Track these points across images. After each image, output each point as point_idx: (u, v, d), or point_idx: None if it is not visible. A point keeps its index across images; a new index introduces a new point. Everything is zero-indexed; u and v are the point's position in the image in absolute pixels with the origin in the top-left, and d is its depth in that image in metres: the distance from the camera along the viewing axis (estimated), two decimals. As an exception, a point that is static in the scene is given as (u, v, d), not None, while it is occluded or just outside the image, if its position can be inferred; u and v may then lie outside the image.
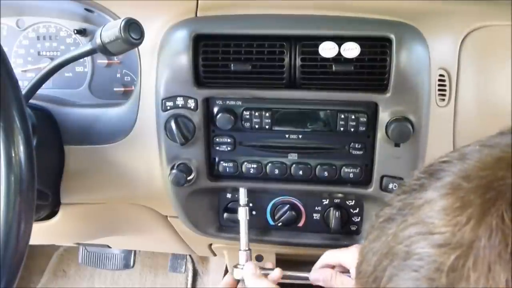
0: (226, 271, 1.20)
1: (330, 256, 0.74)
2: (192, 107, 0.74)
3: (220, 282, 0.81)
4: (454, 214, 0.31)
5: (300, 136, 0.76)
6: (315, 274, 0.74)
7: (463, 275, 0.30)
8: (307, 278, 0.76)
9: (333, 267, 0.74)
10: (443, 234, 0.31)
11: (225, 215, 0.84)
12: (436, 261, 0.31)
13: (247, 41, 0.71)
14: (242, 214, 0.79)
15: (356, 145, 0.75)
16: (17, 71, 0.83)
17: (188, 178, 0.76)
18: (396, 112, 0.70)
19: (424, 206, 0.34)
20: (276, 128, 0.75)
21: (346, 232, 0.83)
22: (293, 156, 0.76)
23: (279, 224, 0.82)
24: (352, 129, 0.73)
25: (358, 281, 0.40)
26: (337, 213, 0.80)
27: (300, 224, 0.83)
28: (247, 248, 0.79)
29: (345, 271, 0.71)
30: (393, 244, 0.35)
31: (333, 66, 0.70)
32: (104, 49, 0.66)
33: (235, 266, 0.79)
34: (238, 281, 0.78)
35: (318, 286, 0.76)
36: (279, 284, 0.76)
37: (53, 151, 0.81)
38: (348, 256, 0.70)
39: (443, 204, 0.33)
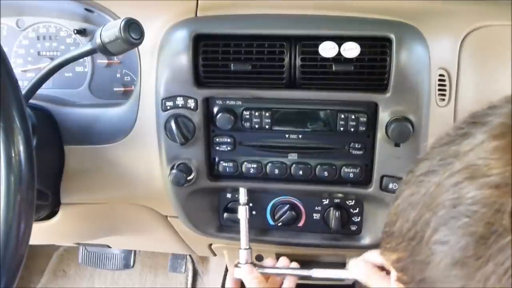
0: (226, 271, 1.20)
1: (374, 255, 0.72)
2: (192, 107, 0.74)
3: (220, 282, 0.81)
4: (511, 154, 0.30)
5: (300, 136, 0.76)
6: (355, 269, 0.71)
7: None
8: (309, 277, 0.76)
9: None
10: (500, 175, 0.30)
11: (225, 215, 0.84)
12: (496, 203, 0.29)
13: (247, 41, 0.71)
14: (242, 213, 0.79)
15: (356, 145, 0.75)
16: (17, 71, 0.83)
17: (188, 178, 0.76)
18: (396, 112, 0.70)
19: (473, 150, 0.32)
20: (276, 128, 0.75)
21: (346, 232, 0.83)
22: (293, 156, 0.76)
23: (279, 224, 0.82)
24: (352, 129, 0.73)
25: (387, 244, 0.39)
26: (337, 213, 0.80)
27: (300, 224, 0.83)
28: (247, 247, 0.79)
29: None
30: (437, 194, 0.33)
31: (333, 66, 0.70)
32: (104, 49, 0.66)
33: (236, 265, 0.79)
34: (241, 280, 0.78)
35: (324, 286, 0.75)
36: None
37: (53, 151, 0.81)
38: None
39: (496, 145, 0.31)
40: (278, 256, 0.93)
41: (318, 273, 0.75)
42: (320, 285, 0.84)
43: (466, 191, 0.31)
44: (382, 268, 0.68)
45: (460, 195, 0.31)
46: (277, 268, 0.80)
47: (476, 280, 0.30)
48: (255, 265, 0.79)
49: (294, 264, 0.79)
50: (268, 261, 0.82)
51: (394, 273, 0.40)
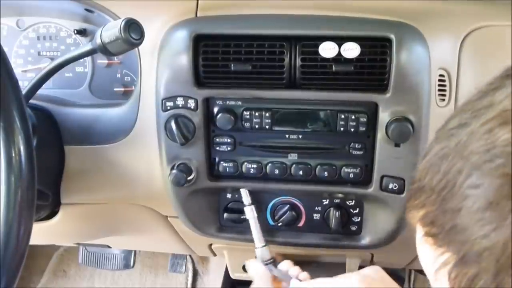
0: (226, 271, 1.20)
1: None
2: (192, 107, 0.74)
3: (220, 282, 0.81)
4: None
5: (300, 136, 0.76)
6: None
7: None
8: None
9: None
10: None
11: (225, 215, 0.84)
12: None
13: (247, 41, 0.71)
14: (250, 213, 0.79)
15: (356, 145, 0.75)
16: (17, 71, 0.83)
17: (188, 178, 0.76)
18: (396, 112, 0.70)
19: (506, 98, 0.33)
20: (276, 128, 0.75)
21: (346, 232, 0.83)
22: (293, 156, 0.76)
23: (279, 224, 0.82)
24: (352, 129, 0.73)
25: (415, 201, 0.39)
26: (337, 213, 0.80)
27: (300, 224, 0.83)
28: (264, 244, 0.79)
29: None
30: (469, 142, 0.34)
31: (333, 66, 0.70)
32: (104, 49, 0.66)
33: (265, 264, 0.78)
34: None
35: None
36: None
37: (53, 151, 0.81)
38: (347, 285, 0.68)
39: None
40: (278, 256, 0.93)
41: None
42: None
43: (500, 135, 0.32)
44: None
45: (493, 139, 0.32)
46: (282, 272, 0.78)
47: (510, 221, 0.30)
48: (274, 261, 0.78)
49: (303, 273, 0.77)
50: (284, 265, 0.79)
51: (421, 232, 0.40)
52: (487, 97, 0.35)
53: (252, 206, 0.79)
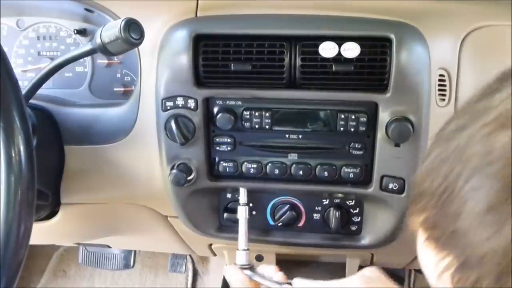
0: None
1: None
2: (192, 107, 0.74)
3: (220, 282, 0.80)
4: None
5: (300, 136, 0.76)
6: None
7: None
8: None
9: None
10: None
11: (225, 215, 0.84)
12: None
13: (247, 41, 0.71)
14: (242, 213, 0.79)
15: (356, 145, 0.75)
16: (17, 71, 0.83)
17: (188, 178, 0.76)
18: (396, 112, 0.70)
19: (503, 102, 0.33)
20: (276, 128, 0.75)
21: (346, 232, 0.83)
22: (293, 156, 0.76)
23: (279, 224, 0.82)
24: (352, 129, 0.73)
25: (416, 206, 0.39)
26: (337, 213, 0.80)
27: (300, 224, 0.83)
28: (246, 248, 0.78)
29: None
30: (468, 145, 0.34)
31: (333, 66, 0.70)
32: (104, 49, 0.66)
33: (241, 268, 0.78)
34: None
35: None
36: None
37: (53, 151, 0.81)
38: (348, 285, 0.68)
39: None
40: (278, 256, 0.93)
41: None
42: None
43: (499, 138, 0.32)
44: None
45: (492, 142, 0.32)
46: (265, 278, 0.76)
47: (511, 224, 0.30)
48: (252, 268, 0.77)
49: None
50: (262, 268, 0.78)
51: (422, 236, 0.40)
52: (485, 100, 0.35)
53: (246, 207, 0.79)
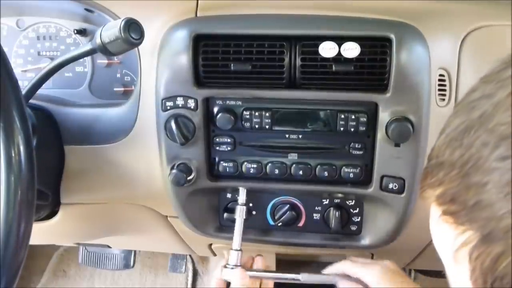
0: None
1: (349, 269, 0.72)
2: (192, 107, 0.74)
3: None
4: None
5: (300, 136, 0.76)
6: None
7: None
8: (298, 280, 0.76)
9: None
10: None
11: (225, 215, 0.84)
12: None
13: (247, 41, 0.71)
14: (239, 213, 0.79)
15: (356, 145, 0.75)
16: (17, 71, 0.83)
17: (188, 178, 0.76)
18: (396, 112, 0.70)
19: None
20: (276, 128, 0.75)
21: (346, 232, 0.83)
22: (293, 156, 0.76)
23: (279, 224, 0.82)
24: (352, 129, 0.73)
25: (433, 178, 0.38)
26: (337, 213, 0.80)
27: (300, 224, 0.83)
28: (239, 248, 0.78)
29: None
30: (495, 113, 0.33)
31: (333, 66, 0.70)
32: (104, 49, 0.66)
33: (225, 266, 0.78)
34: (228, 283, 0.76)
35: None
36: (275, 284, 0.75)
37: (53, 151, 0.81)
38: (370, 274, 0.69)
39: None
40: (278, 256, 0.93)
41: (306, 277, 0.75)
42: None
43: None
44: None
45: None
46: (266, 272, 0.79)
47: None
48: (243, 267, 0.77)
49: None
50: (257, 263, 0.80)
51: (437, 212, 0.38)
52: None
53: (244, 207, 0.79)
